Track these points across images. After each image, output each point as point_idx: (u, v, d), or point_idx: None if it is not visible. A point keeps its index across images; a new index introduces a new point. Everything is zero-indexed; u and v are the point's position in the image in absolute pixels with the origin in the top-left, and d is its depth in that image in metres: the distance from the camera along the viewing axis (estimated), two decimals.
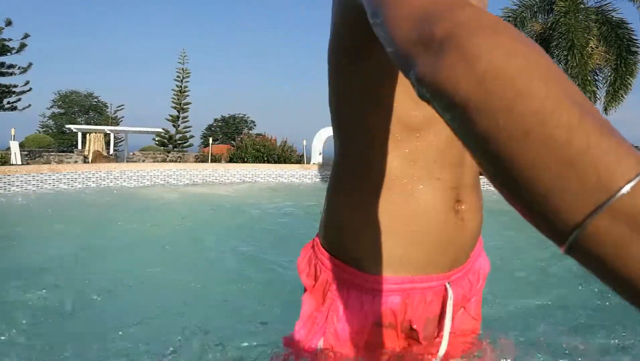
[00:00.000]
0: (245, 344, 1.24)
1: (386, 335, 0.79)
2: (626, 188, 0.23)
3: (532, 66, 0.28)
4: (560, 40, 11.53)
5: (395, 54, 0.37)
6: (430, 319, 0.79)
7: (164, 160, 20.27)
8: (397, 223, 0.74)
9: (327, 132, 18.24)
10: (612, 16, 12.16)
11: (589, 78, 11.59)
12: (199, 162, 17.68)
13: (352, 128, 0.75)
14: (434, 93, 0.32)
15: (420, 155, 0.72)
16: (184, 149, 26.53)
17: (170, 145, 25.92)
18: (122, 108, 45.37)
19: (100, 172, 5.99)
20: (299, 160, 15.68)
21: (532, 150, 0.26)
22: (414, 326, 0.78)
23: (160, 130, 26.24)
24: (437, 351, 0.76)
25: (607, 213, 0.24)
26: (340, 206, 0.78)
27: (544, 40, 12.29)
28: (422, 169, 0.73)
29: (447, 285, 0.78)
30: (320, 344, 0.79)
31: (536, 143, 0.26)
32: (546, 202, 0.26)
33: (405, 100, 0.70)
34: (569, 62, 11.51)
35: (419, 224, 0.74)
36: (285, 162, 13.57)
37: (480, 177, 0.71)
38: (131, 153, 23.60)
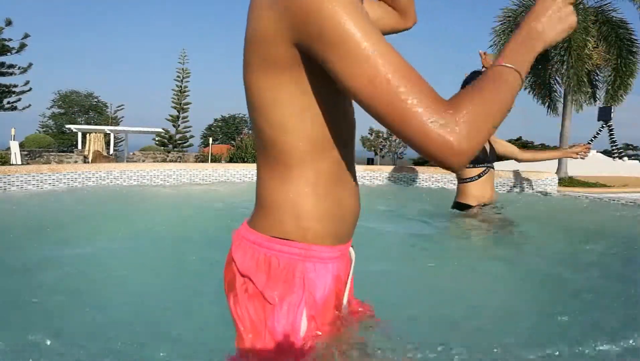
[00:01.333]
0: None
1: (337, 296, 0.96)
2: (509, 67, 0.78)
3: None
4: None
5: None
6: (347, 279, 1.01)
7: (164, 160, 20.27)
8: (337, 204, 0.94)
9: None
10: (612, 16, 12.17)
11: (584, 79, 11.57)
12: (199, 162, 17.69)
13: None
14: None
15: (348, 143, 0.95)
16: (184, 149, 26.55)
17: (170, 145, 25.95)
18: (122, 108, 45.42)
19: (100, 172, 5.98)
20: None
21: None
22: (348, 285, 1.00)
23: (160, 130, 26.27)
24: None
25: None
26: (296, 195, 0.91)
27: None
28: (336, 161, 0.93)
29: (351, 249, 1.02)
30: (305, 318, 0.89)
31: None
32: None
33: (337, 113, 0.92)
34: (565, 62, 11.51)
35: (347, 204, 0.96)
36: None
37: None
38: (131, 153, 23.62)
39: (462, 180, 3.47)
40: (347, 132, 0.95)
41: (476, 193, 3.39)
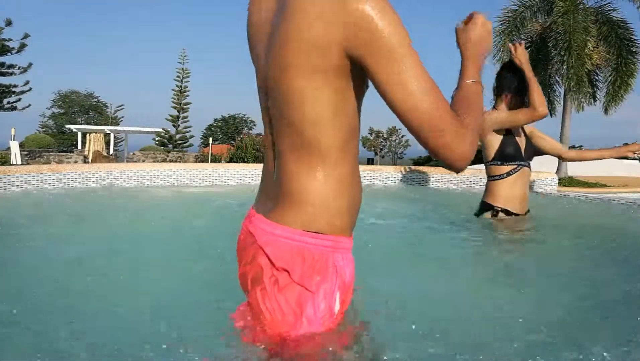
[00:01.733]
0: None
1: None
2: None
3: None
4: (557, 40, 11.53)
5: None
6: None
7: (164, 160, 20.28)
8: (354, 199, 1.05)
9: None
10: (612, 16, 12.17)
11: (584, 79, 11.56)
12: (199, 162, 17.70)
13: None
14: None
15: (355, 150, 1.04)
16: (184, 149, 26.57)
17: (170, 145, 25.97)
18: (122, 108, 45.46)
19: (100, 172, 5.98)
20: None
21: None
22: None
23: (160, 130, 26.29)
24: None
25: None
26: (328, 192, 0.99)
27: (543, 41, 12.31)
28: (355, 158, 1.04)
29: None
30: (338, 302, 0.99)
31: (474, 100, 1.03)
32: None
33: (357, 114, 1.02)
34: (566, 63, 11.50)
35: (359, 198, 1.07)
36: None
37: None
38: (131, 153, 23.63)
39: (490, 178, 3.17)
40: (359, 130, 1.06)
41: (504, 192, 3.08)
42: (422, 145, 0.91)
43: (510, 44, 3.02)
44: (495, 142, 3.09)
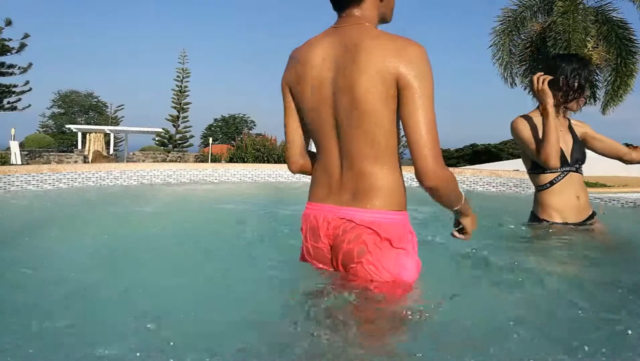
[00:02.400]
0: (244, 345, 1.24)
1: None
2: (458, 206, 1.47)
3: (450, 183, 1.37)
4: (556, 40, 11.53)
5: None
6: None
7: (164, 160, 20.28)
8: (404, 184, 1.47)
9: None
10: (612, 16, 12.16)
11: None
12: (199, 162, 17.70)
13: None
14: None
15: None
16: (184, 149, 26.58)
17: (170, 145, 25.97)
18: (122, 108, 45.45)
19: (100, 172, 5.97)
20: None
21: (452, 197, 1.43)
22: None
23: (160, 130, 26.29)
24: None
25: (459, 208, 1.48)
26: (400, 181, 1.45)
27: (543, 41, 12.30)
28: None
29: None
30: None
31: (453, 196, 1.42)
32: (452, 205, 1.46)
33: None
34: None
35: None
36: (285, 162, 13.54)
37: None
38: (131, 153, 23.63)
39: (537, 188, 2.80)
40: None
41: (552, 203, 2.69)
42: (412, 156, 1.33)
43: (534, 77, 2.63)
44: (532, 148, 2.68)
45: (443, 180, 1.33)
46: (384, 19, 1.50)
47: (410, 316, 1.35)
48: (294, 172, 1.67)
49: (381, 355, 1.21)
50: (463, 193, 1.49)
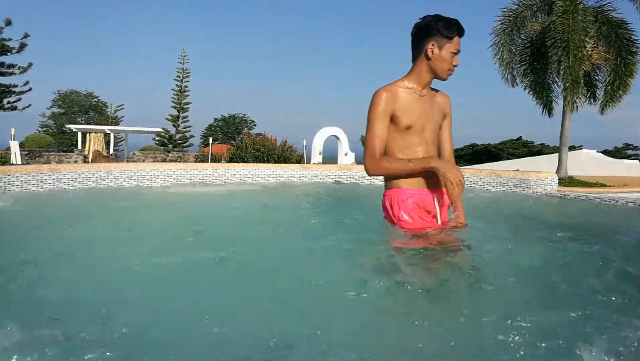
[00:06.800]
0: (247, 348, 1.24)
1: None
2: (409, 172, 2.34)
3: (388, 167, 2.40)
4: (556, 40, 11.51)
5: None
6: None
7: (164, 160, 20.26)
8: None
9: (327, 131, 18.20)
10: (612, 16, 12.14)
11: (580, 80, 11.53)
12: (199, 161, 17.68)
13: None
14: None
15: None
16: (184, 149, 26.54)
17: (170, 145, 25.93)
18: (122, 108, 45.36)
19: (100, 171, 5.97)
20: (299, 160, 15.67)
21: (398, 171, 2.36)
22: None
23: (160, 130, 26.26)
24: None
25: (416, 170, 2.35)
26: None
27: (543, 40, 12.29)
28: None
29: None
30: None
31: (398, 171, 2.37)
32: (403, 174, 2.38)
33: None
34: (563, 63, 11.48)
35: None
36: (285, 162, 13.56)
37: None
38: (131, 153, 23.62)
39: None
40: None
41: None
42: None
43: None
44: None
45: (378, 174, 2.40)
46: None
47: None
48: None
49: None
50: (410, 163, 2.28)
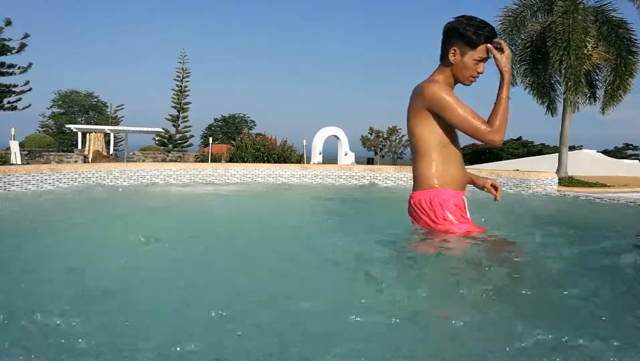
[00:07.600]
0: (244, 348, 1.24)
1: None
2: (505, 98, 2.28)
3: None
4: (556, 40, 11.51)
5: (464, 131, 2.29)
6: None
7: (164, 160, 20.25)
8: None
9: (327, 131, 18.22)
10: (613, 16, 12.15)
11: (581, 80, 11.53)
12: (199, 161, 17.68)
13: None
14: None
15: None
16: (184, 149, 26.51)
17: (170, 145, 25.91)
18: (122, 108, 45.38)
19: (100, 171, 5.97)
20: (299, 160, 15.68)
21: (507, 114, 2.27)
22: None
23: (160, 130, 26.24)
24: None
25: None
26: None
27: (543, 40, 12.29)
28: None
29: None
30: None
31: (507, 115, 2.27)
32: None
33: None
34: (564, 62, 11.49)
35: None
36: (285, 162, 13.57)
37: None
38: (131, 153, 23.62)
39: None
40: None
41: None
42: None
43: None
44: None
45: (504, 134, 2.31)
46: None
47: None
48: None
49: None
50: (503, 96, 2.22)
